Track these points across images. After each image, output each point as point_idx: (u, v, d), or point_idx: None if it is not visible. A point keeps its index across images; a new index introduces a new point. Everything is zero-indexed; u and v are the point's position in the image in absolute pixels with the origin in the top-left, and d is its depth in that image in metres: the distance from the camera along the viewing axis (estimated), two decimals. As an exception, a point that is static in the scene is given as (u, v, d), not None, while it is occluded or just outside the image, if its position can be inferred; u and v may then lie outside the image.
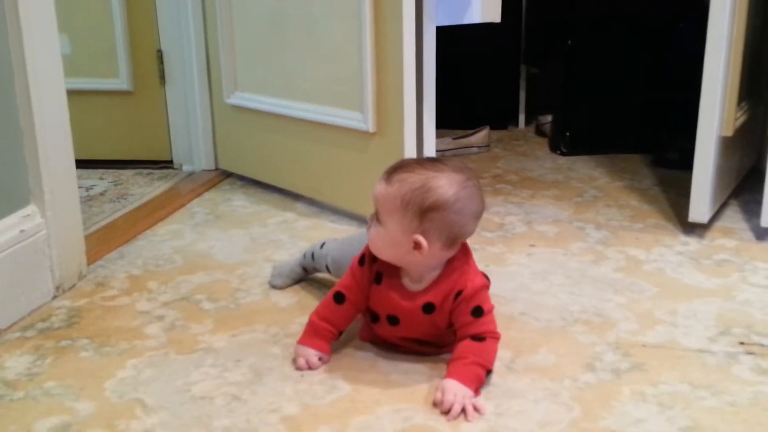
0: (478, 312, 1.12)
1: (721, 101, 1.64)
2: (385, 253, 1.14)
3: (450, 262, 1.14)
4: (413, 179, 1.08)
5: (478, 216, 1.12)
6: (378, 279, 1.17)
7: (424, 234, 1.08)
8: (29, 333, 1.30)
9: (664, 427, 1.01)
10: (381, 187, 1.11)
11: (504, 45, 2.81)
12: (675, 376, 1.14)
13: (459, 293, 1.12)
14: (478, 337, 1.11)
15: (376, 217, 1.12)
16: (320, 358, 1.17)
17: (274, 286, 1.47)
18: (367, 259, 1.17)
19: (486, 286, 1.14)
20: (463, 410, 1.04)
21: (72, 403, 1.09)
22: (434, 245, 1.09)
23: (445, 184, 1.08)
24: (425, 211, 1.07)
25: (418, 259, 1.11)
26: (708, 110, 1.64)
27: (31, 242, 1.38)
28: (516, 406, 1.06)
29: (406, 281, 1.15)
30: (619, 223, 1.83)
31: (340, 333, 1.21)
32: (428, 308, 1.13)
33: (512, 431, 1.01)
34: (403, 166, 1.12)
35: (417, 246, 1.09)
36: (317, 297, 1.41)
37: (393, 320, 1.17)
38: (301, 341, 1.19)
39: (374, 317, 1.19)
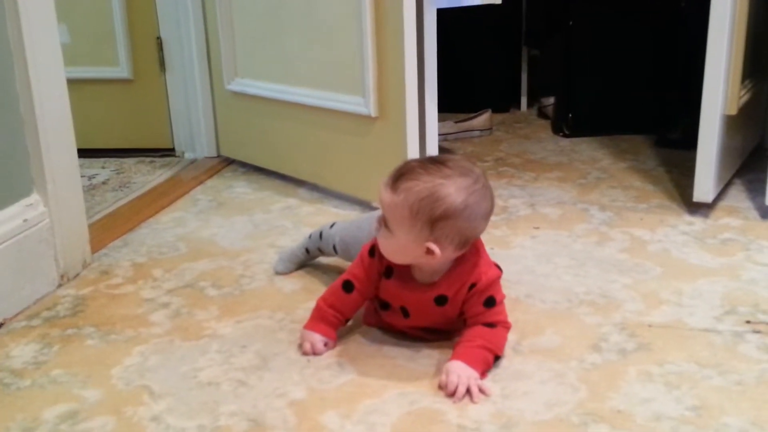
0: (491, 302, 1.12)
1: (725, 79, 1.63)
2: (396, 258, 1.13)
3: (461, 254, 1.13)
4: (420, 188, 1.05)
5: (488, 216, 1.11)
6: (389, 273, 1.16)
7: (435, 241, 1.07)
8: (35, 322, 1.31)
9: (671, 406, 1.01)
10: (387, 196, 1.08)
11: (505, 27, 2.79)
12: (681, 356, 1.13)
13: (473, 285, 1.11)
14: (489, 324, 1.11)
15: (385, 223, 1.10)
16: (326, 344, 1.17)
17: (277, 272, 1.47)
18: (378, 251, 1.15)
19: (499, 276, 1.14)
20: (469, 392, 1.04)
21: (79, 390, 1.09)
22: (446, 249, 1.08)
23: (454, 192, 1.05)
24: (435, 221, 1.05)
25: (431, 262, 1.10)
26: (712, 88, 1.63)
27: (34, 231, 1.38)
28: (522, 388, 1.06)
29: (418, 275, 1.15)
30: (623, 204, 1.82)
31: (347, 320, 1.21)
32: (441, 300, 1.13)
33: (519, 413, 1.01)
34: (408, 172, 1.08)
35: (429, 252, 1.08)
36: (322, 282, 1.41)
37: (404, 312, 1.16)
38: (308, 326, 1.19)
39: (384, 305, 1.19)
